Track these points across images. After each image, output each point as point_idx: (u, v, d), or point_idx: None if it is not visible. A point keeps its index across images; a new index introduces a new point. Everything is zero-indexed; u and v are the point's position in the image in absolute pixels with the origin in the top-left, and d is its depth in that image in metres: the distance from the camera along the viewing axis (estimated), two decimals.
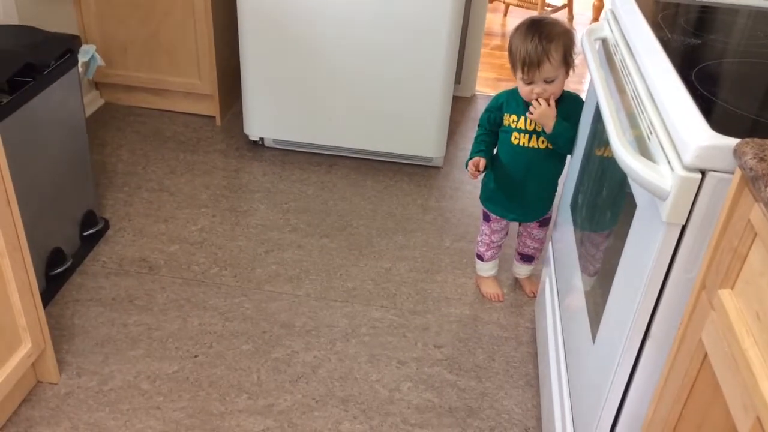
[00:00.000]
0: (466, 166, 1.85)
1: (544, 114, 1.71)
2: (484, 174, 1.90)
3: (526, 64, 1.67)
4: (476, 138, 1.89)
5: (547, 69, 1.67)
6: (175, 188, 2.52)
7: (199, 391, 1.73)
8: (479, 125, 1.89)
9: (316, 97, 2.61)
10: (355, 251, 2.26)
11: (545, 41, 1.64)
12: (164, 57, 2.84)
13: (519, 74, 1.71)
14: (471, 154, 1.86)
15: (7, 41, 1.87)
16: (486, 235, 2.03)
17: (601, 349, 1.22)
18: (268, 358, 1.84)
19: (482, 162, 1.81)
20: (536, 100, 1.71)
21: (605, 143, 1.29)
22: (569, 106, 1.74)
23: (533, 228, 2.01)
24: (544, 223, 2.00)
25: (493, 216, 1.98)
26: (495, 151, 1.90)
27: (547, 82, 1.69)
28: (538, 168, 1.84)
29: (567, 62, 1.69)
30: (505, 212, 1.96)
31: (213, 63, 2.79)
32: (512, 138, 1.82)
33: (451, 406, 1.74)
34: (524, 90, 1.73)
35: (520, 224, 2.03)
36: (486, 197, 1.97)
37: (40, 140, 1.85)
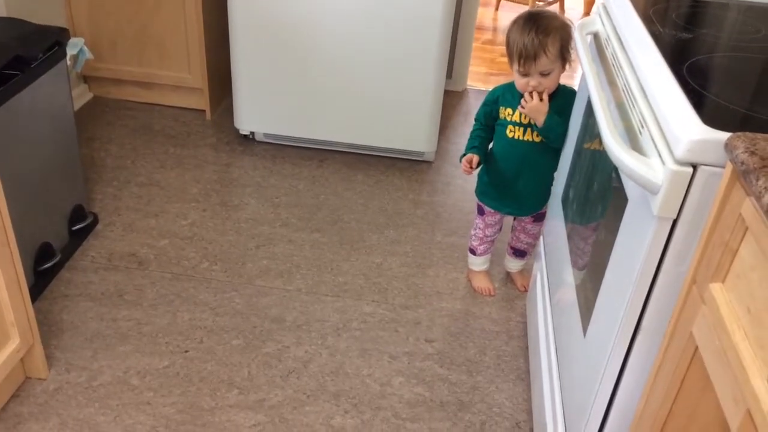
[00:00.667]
0: (461, 161, 1.85)
1: (535, 108, 1.71)
2: (478, 169, 1.90)
3: (523, 57, 1.67)
4: (471, 133, 1.89)
5: (543, 62, 1.67)
6: (165, 182, 2.50)
7: (189, 387, 1.72)
8: (475, 119, 1.89)
9: (307, 91, 2.60)
10: (346, 246, 2.26)
11: (542, 35, 1.65)
12: (154, 50, 2.82)
13: (515, 66, 1.71)
14: (465, 149, 1.86)
15: None
16: (480, 229, 2.03)
17: (592, 343, 1.23)
18: (259, 353, 1.83)
19: (475, 158, 1.82)
20: (529, 94, 1.71)
21: (596, 137, 1.29)
22: (564, 100, 1.74)
23: (527, 223, 2.01)
24: (539, 218, 1.99)
25: (487, 210, 1.98)
26: (490, 145, 1.90)
27: (543, 75, 1.70)
28: (532, 162, 1.84)
29: (563, 56, 1.70)
30: (499, 206, 1.96)
31: (203, 56, 2.77)
32: (507, 131, 1.82)
33: (443, 400, 1.74)
34: (520, 82, 1.74)
35: (514, 219, 2.03)
36: (481, 191, 1.97)
37: (28, 134, 1.84)
